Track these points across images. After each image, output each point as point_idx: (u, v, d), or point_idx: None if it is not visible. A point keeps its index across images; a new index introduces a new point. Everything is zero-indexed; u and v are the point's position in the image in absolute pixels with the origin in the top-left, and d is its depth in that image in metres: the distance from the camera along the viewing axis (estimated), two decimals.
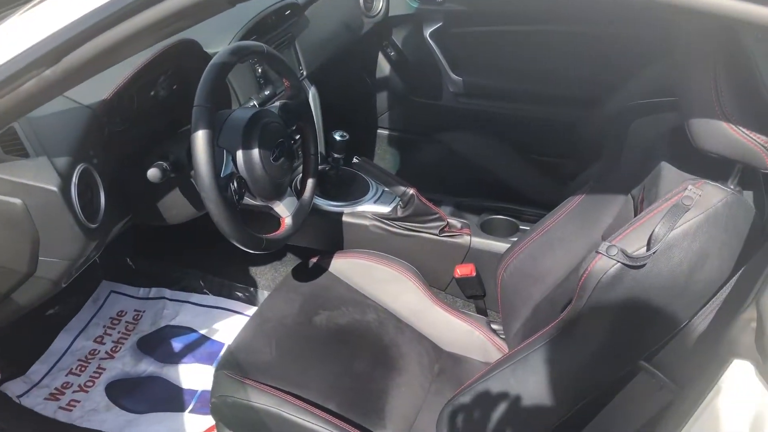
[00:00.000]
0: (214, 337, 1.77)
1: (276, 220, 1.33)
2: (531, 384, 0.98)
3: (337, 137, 1.56)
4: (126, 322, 1.83)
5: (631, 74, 1.89)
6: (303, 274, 1.57)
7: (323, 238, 1.68)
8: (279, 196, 1.29)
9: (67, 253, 1.09)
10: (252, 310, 1.84)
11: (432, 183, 2.20)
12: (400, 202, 1.57)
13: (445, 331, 1.52)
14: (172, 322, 1.81)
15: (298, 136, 1.46)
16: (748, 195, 0.91)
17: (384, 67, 2.37)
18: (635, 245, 0.82)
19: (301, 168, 1.47)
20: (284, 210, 1.31)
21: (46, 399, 1.61)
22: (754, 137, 0.78)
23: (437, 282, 1.63)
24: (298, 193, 1.41)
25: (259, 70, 1.52)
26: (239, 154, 1.18)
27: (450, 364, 1.47)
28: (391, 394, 1.32)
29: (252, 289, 1.91)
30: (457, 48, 2.24)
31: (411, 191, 1.52)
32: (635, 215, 1.11)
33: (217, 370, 1.28)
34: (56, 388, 1.64)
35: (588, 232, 1.27)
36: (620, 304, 0.83)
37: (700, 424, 0.69)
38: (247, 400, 1.21)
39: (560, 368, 0.97)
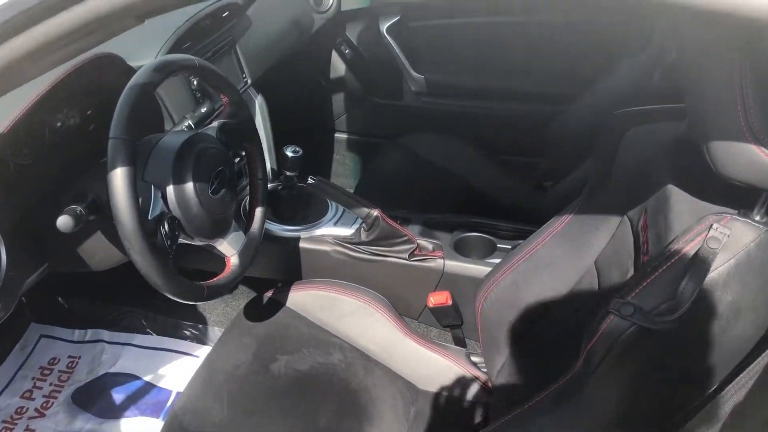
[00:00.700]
0: (161, 384, 1.59)
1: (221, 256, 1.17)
2: None
3: (289, 153, 1.40)
4: (59, 371, 1.63)
5: (608, 69, 1.78)
6: (257, 311, 1.41)
7: (278, 268, 1.52)
8: (222, 232, 1.12)
9: None
10: (202, 350, 1.67)
11: (396, 190, 2.07)
12: (364, 225, 1.42)
13: (420, 367, 1.38)
14: (112, 369, 1.62)
15: (239, 159, 1.30)
16: None
17: (339, 66, 2.22)
18: (654, 301, 0.69)
19: (248, 191, 1.31)
20: (229, 248, 1.14)
21: None
22: None
23: (409, 311, 1.49)
24: (246, 224, 1.25)
25: (195, 82, 1.35)
26: (170, 189, 1.01)
27: (428, 406, 1.33)
28: None
29: (201, 326, 1.74)
30: (418, 43, 2.11)
31: (375, 212, 1.37)
32: (635, 240, 0.98)
33: None
34: None
35: (579, 256, 1.15)
36: (639, 371, 0.70)
37: None
38: None
39: None
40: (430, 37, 2.09)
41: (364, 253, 1.44)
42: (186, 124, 1.24)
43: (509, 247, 1.47)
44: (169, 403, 1.55)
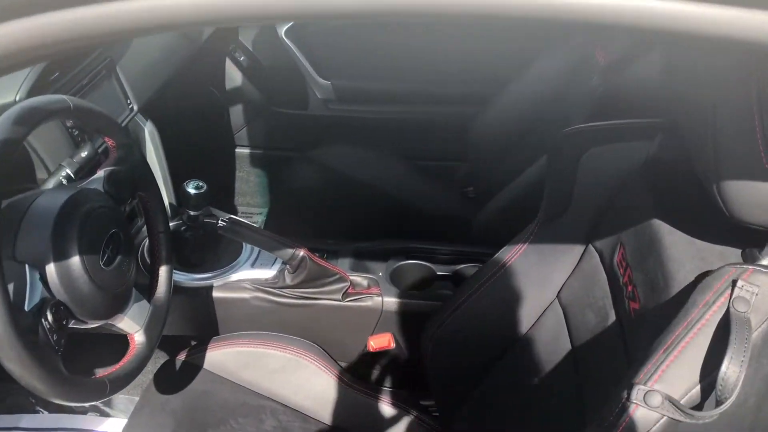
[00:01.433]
0: None
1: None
2: None
3: (192, 190, 1.21)
4: None
5: (526, 66, 1.71)
6: (169, 379, 1.22)
7: (190, 324, 1.33)
8: (121, 307, 0.93)
9: None
10: (109, 423, 1.45)
11: (313, 211, 1.92)
12: (288, 267, 1.25)
13: (366, 418, 1.25)
14: None
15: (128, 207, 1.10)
16: None
17: (234, 75, 2.02)
18: (684, 385, 0.58)
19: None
20: (132, 324, 0.95)
21: None
22: None
23: (347, 357, 1.35)
24: (149, 286, 1.06)
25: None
26: (51, 268, 0.81)
27: None
28: None
29: None
30: (321, 46, 1.95)
31: (301, 252, 1.21)
32: (611, 278, 0.89)
33: None
34: None
35: (539, 290, 1.04)
36: None
37: None
38: None
39: None
40: (333, 39, 1.94)
41: (290, 297, 1.27)
42: (64, 174, 1.03)
43: (449, 273, 1.36)
44: None
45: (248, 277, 1.30)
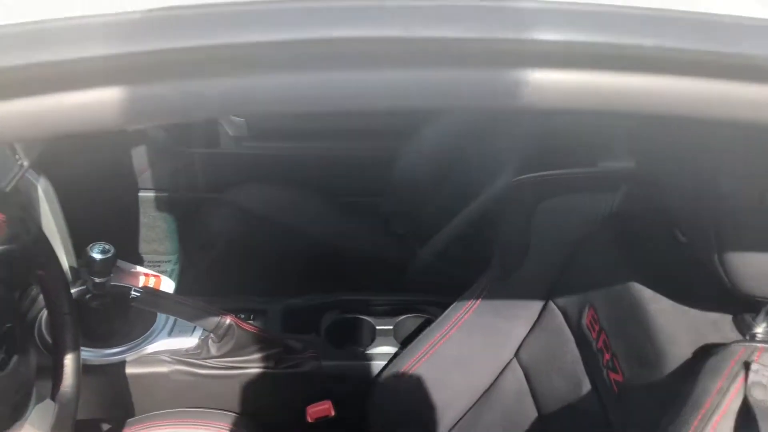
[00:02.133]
0: None
1: None
2: None
3: (97, 255, 1.07)
4: None
5: None
6: None
7: (100, 406, 1.17)
8: (20, 414, 0.78)
9: None
10: None
11: (233, 259, 1.79)
12: (213, 336, 1.13)
13: None
14: None
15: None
16: None
17: None
18: None
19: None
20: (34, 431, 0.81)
21: None
22: None
23: (283, 429, 1.23)
24: (53, 376, 0.91)
25: None
26: None
27: None
28: None
29: None
30: None
31: (228, 320, 1.09)
32: (580, 340, 0.83)
33: None
34: None
35: (496, 350, 0.98)
36: None
37: None
38: None
39: None
40: None
41: (216, 368, 1.15)
42: None
43: (390, 327, 1.28)
44: None
45: (166, 348, 1.16)
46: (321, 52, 0.36)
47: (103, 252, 1.09)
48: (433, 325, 1.04)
